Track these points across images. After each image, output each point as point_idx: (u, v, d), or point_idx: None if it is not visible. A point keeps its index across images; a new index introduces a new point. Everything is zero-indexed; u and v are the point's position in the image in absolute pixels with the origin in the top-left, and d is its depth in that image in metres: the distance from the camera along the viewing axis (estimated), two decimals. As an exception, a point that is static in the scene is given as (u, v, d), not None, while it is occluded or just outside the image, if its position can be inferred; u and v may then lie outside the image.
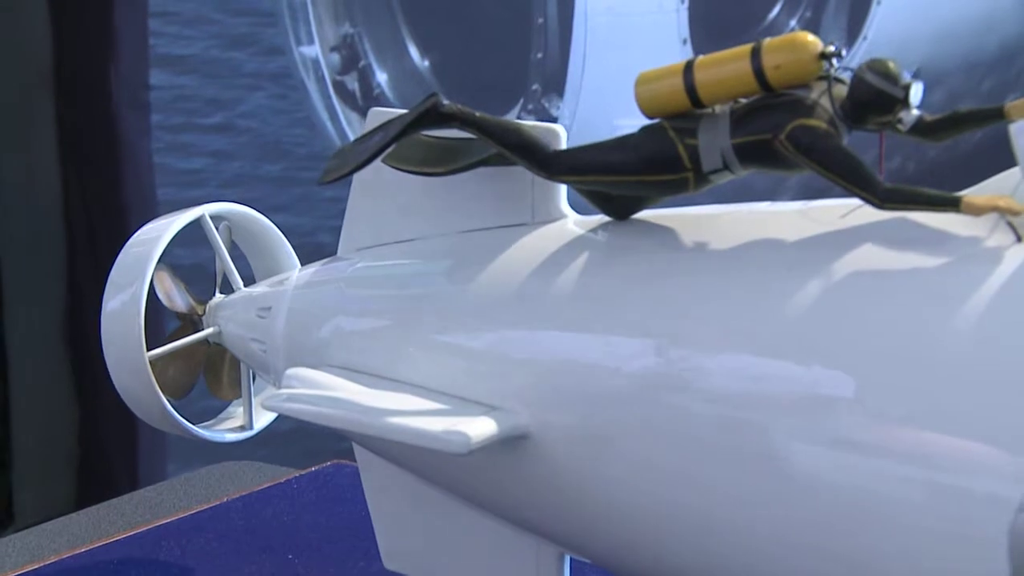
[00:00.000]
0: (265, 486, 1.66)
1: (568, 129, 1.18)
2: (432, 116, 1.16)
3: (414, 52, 3.26)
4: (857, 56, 3.25)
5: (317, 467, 1.64)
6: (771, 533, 1.01)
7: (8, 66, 2.81)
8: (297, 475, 1.67)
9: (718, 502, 1.04)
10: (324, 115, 3.16)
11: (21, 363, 2.77)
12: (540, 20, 3.37)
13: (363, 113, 3.19)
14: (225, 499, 1.64)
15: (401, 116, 1.17)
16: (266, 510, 1.60)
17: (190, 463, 2.02)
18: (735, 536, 1.04)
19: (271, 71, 3.16)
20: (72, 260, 2.85)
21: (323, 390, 1.19)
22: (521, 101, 3.17)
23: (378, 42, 3.23)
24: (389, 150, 1.20)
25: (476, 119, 1.15)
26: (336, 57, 3.21)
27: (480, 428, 1.08)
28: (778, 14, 3.47)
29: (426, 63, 3.24)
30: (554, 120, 2.76)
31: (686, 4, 3.42)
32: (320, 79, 3.16)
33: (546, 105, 3.17)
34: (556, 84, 3.15)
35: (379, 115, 1.25)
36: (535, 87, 3.21)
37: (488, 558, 1.26)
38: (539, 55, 3.37)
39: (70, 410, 2.81)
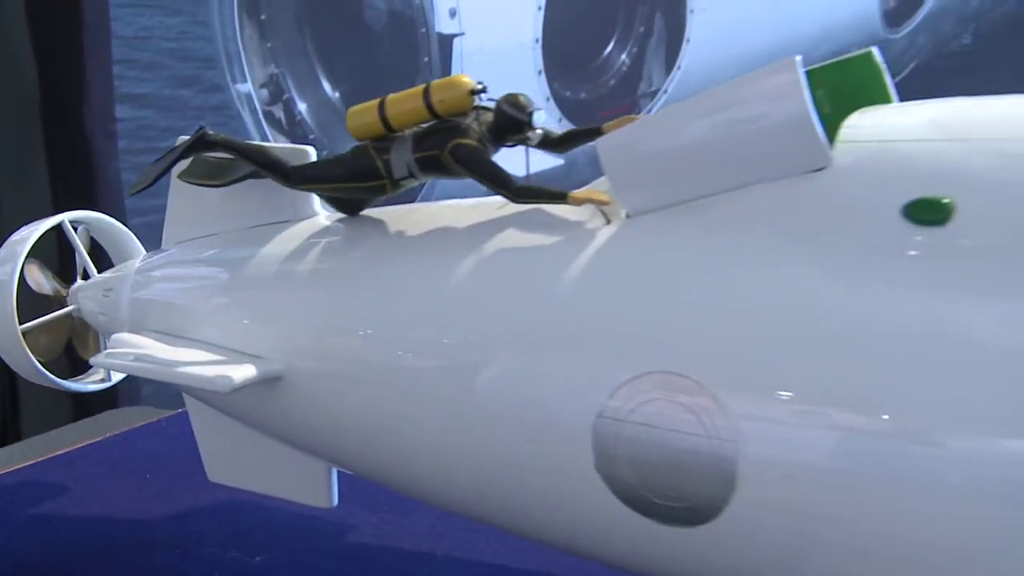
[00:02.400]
0: (141, 424, 1.69)
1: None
2: (202, 143, 1.21)
3: (327, 86, 3.25)
4: (673, 82, 3.29)
5: (183, 409, 1.65)
6: (452, 438, 1.07)
7: (6, 104, 2.86)
8: (168, 415, 1.69)
9: (418, 425, 1.09)
10: (257, 138, 3.17)
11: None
12: (426, 59, 3.37)
13: (289, 136, 3.21)
14: (109, 435, 1.68)
15: (181, 144, 1.22)
16: (140, 442, 1.63)
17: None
18: (430, 445, 1.09)
19: (213, 104, 3.16)
20: (61, 259, 2.87)
21: (135, 349, 1.23)
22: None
23: (298, 79, 3.22)
24: (177, 168, 1.25)
25: (234, 144, 1.20)
26: (265, 92, 3.20)
27: (242, 372, 1.14)
28: (611, 50, 3.47)
29: (337, 94, 3.23)
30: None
31: (540, 43, 3.44)
32: (253, 110, 3.17)
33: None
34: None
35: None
36: (424, 114, 3.21)
37: (280, 470, 1.29)
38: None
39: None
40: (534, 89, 3.30)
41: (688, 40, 3.35)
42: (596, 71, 3.40)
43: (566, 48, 3.41)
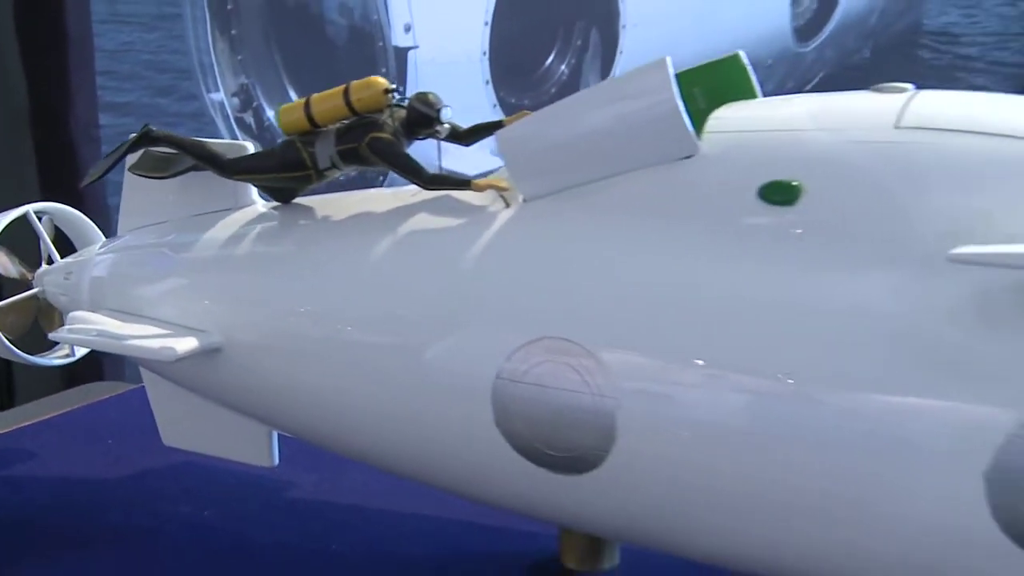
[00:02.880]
0: (108, 396, 1.69)
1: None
2: (147, 139, 1.21)
3: (293, 95, 3.24)
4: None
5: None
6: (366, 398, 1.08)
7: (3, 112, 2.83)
8: (133, 388, 1.69)
9: (341, 390, 1.10)
10: (230, 143, 3.16)
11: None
12: (383, 70, 3.37)
13: (259, 141, 3.20)
14: (79, 406, 1.68)
15: (127, 140, 1.22)
16: (108, 414, 1.63)
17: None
18: (352, 408, 1.10)
19: (189, 112, 3.14)
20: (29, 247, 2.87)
21: (91, 325, 1.24)
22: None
23: (266, 88, 3.20)
24: (131, 162, 1.26)
25: (176, 139, 1.21)
26: (236, 100, 3.18)
27: (184, 344, 1.14)
28: (552, 62, 3.48)
29: (303, 101, 3.24)
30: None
31: (487, 55, 3.44)
32: (225, 117, 3.15)
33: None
34: (396, 117, 3.18)
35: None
36: (381, 119, 3.22)
37: (227, 434, 1.29)
38: (382, 96, 3.38)
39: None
40: (482, 97, 3.32)
41: (621, 52, 3.36)
42: (538, 80, 3.42)
43: (511, 59, 3.41)
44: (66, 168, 2.89)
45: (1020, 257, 0.77)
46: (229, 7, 3.21)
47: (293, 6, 3.30)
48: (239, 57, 3.23)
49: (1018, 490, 0.78)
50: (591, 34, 3.61)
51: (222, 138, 3.16)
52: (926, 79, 0.97)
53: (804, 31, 4.13)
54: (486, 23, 3.49)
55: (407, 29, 3.39)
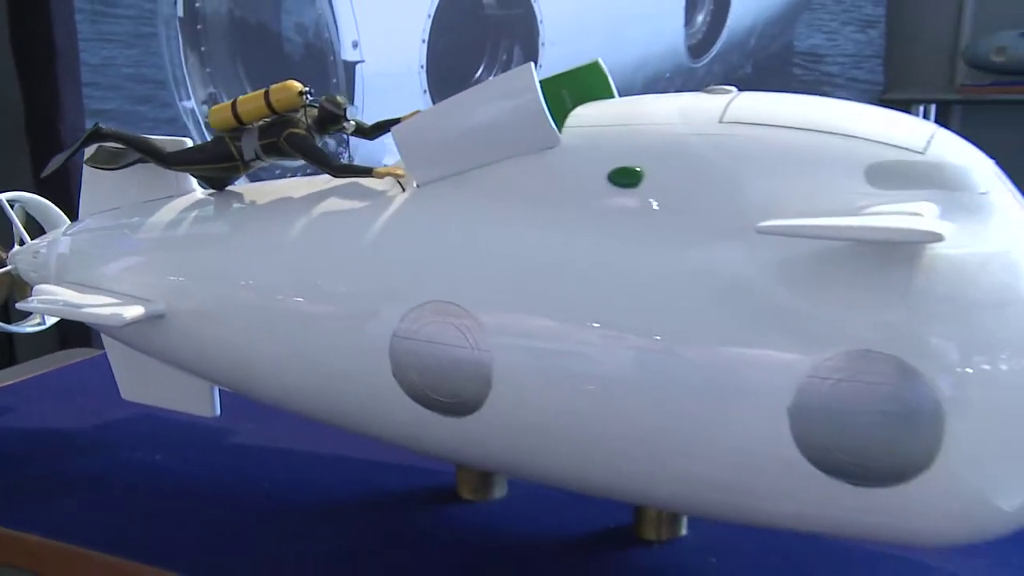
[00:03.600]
0: (79, 360, 1.68)
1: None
2: (97, 135, 1.21)
3: None
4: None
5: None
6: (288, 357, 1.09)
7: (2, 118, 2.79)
8: (103, 352, 1.67)
9: (265, 350, 1.11)
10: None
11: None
12: (334, 81, 3.35)
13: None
14: (50, 369, 1.66)
15: (81, 137, 1.22)
16: (80, 375, 1.62)
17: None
18: (275, 365, 1.11)
19: (165, 118, 3.10)
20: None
21: (54, 296, 1.23)
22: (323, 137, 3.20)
23: (232, 96, 3.17)
24: (87, 154, 1.26)
25: (122, 135, 1.21)
26: (206, 107, 3.17)
27: (132, 312, 1.14)
28: (480, 74, 3.49)
29: (264, 109, 3.21)
30: (346, 149, 2.81)
31: (424, 68, 3.44)
32: (196, 122, 3.13)
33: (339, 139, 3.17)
34: (346, 125, 3.18)
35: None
36: (332, 126, 3.22)
37: (175, 389, 1.29)
38: (333, 103, 3.37)
39: None
40: (421, 104, 3.32)
41: (540, 67, 3.36)
42: (469, 90, 3.42)
43: (445, 72, 3.42)
44: (57, 169, 2.86)
45: (811, 228, 0.80)
46: (199, 27, 3.19)
47: (255, 25, 3.28)
48: (208, 70, 3.21)
49: (813, 422, 0.81)
50: (514, 50, 3.63)
51: (194, 140, 3.15)
52: (797, 91, 0.99)
53: (696, 49, 4.19)
54: (423, 40, 3.50)
55: (355, 45, 3.38)
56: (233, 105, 1.14)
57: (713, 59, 4.10)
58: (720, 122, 0.90)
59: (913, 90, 4.18)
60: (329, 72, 3.34)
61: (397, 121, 1.08)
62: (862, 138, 0.87)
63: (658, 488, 0.93)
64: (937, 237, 0.77)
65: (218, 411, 1.28)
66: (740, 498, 0.89)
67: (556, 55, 3.62)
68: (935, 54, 3.79)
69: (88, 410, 1.45)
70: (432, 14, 3.41)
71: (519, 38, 3.63)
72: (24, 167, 2.87)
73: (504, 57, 3.72)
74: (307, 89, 1.11)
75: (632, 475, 0.93)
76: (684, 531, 1.08)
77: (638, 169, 0.91)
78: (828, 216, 0.83)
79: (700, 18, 4.08)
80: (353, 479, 1.22)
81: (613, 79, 1.04)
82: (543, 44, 3.70)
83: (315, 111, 1.11)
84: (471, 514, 1.14)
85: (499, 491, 1.18)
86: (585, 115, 0.98)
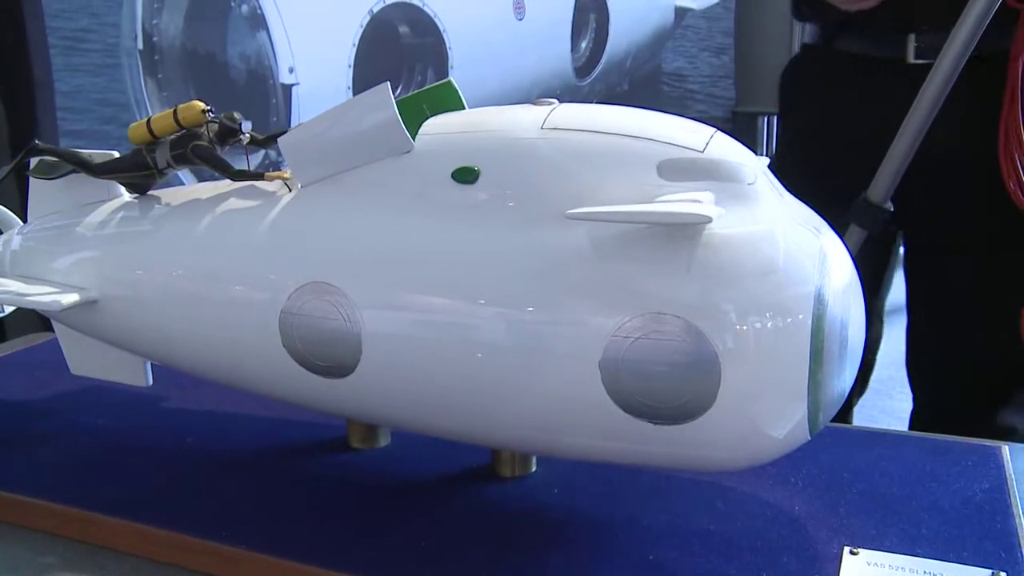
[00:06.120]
0: (42, 341, 1.64)
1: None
2: (34, 151, 1.18)
3: None
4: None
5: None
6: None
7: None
8: None
9: (179, 328, 1.09)
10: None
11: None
12: (274, 101, 3.32)
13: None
14: (21, 348, 1.62)
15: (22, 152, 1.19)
16: (42, 352, 1.58)
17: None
18: (187, 340, 1.09)
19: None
20: None
21: (4, 286, 1.20)
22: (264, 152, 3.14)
23: None
24: (31, 165, 1.23)
25: (56, 150, 1.18)
26: (165, 127, 3.12)
27: (68, 298, 1.12)
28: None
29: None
30: (279, 160, 2.78)
31: (351, 89, 3.42)
32: (157, 138, 3.08)
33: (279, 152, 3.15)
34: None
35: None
36: (274, 139, 3.21)
37: (113, 364, 1.26)
38: (274, 119, 3.32)
39: None
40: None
41: (453, 67, 3.38)
42: (388, 108, 3.42)
43: (372, 72, 3.41)
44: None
45: (610, 214, 0.82)
46: (156, 57, 3.14)
47: (204, 55, 3.23)
48: (164, 94, 3.16)
49: (619, 372, 0.83)
50: (428, 73, 3.61)
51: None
52: (666, 106, 0.99)
53: (581, 70, 4.21)
54: (349, 65, 3.48)
55: (291, 70, 3.36)
56: (148, 123, 1.13)
57: (596, 79, 4.13)
58: (542, 128, 0.92)
59: (758, 104, 4.26)
60: (269, 94, 3.31)
61: (284, 132, 1.07)
62: (656, 140, 0.88)
63: (500, 432, 0.94)
64: (708, 219, 0.78)
65: (151, 381, 1.26)
66: (566, 438, 0.91)
67: (464, 77, 3.62)
68: (774, 75, 3.88)
69: (44, 382, 1.43)
70: (356, 43, 3.39)
71: (431, 63, 3.63)
72: (10, 183, 2.80)
73: (419, 79, 3.71)
74: (209, 108, 1.10)
75: (478, 422, 0.94)
76: (534, 468, 1.10)
77: (476, 168, 0.92)
78: (628, 203, 0.85)
79: (584, 44, 4.11)
80: (261, 433, 1.22)
81: (512, 97, 1.05)
82: (452, 67, 3.69)
83: (216, 126, 1.10)
84: (360, 460, 1.15)
85: (384, 440, 1.19)
86: (435, 124, 0.98)
